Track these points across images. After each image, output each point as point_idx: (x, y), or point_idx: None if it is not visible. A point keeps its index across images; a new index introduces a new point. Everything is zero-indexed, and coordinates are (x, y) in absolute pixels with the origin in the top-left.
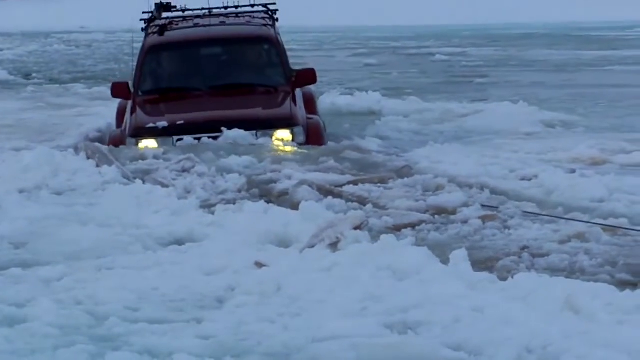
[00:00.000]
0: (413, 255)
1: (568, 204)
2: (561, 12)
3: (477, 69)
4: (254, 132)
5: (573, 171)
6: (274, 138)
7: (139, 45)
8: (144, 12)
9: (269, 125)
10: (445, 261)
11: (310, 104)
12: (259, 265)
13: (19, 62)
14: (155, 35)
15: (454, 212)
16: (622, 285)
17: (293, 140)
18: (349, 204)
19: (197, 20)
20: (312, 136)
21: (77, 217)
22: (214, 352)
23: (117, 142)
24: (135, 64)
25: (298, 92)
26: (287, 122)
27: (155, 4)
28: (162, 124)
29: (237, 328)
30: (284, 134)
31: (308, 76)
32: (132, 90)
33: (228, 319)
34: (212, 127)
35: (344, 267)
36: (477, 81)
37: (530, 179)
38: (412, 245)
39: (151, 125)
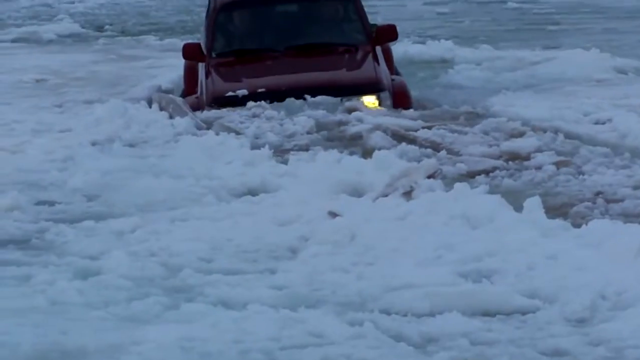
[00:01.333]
0: (486, 203)
1: None
2: None
3: (549, 16)
4: (339, 98)
5: None
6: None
7: None
8: None
9: (355, 91)
10: (518, 208)
11: (388, 60)
12: (333, 214)
13: (91, 14)
14: None
15: (527, 158)
16: None
17: (380, 105)
18: (423, 149)
19: None
20: (399, 99)
21: (150, 169)
22: (288, 302)
23: (194, 109)
24: (206, 22)
25: (378, 49)
26: (373, 87)
27: None
28: (242, 92)
29: (310, 278)
30: (370, 100)
31: (389, 33)
32: (204, 51)
33: (302, 269)
34: (295, 95)
35: (418, 215)
36: (549, 28)
37: (604, 123)
38: (485, 193)
39: (230, 93)
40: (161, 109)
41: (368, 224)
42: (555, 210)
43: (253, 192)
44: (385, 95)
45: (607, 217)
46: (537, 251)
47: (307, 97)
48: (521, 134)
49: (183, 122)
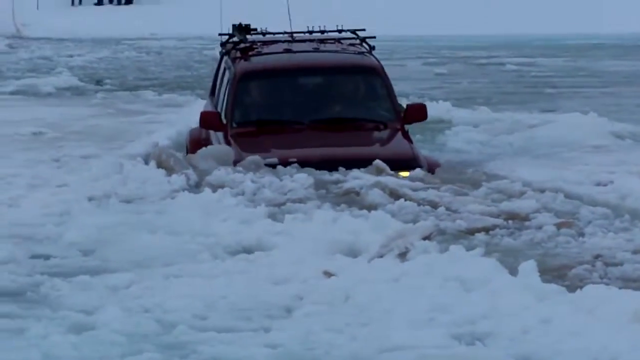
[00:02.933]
0: (481, 266)
1: None
2: (632, 23)
3: (547, 79)
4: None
5: None
6: None
7: (208, 55)
8: (220, 34)
9: (392, 166)
10: (514, 271)
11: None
12: (328, 274)
13: (90, 68)
14: (247, 60)
15: (527, 218)
16: None
17: None
18: (421, 207)
19: (288, 46)
20: None
21: (146, 225)
22: None
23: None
24: (220, 89)
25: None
26: (410, 163)
27: (233, 25)
28: (272, 160)
29: (305, 337)
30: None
31: (418, 112)
32: (223, 120)
33: (296, 328)
34: (328, 166)
35: (413, 277)
36: (546, 91)
37: (605, 185)
38: (481, 255)
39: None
40: (159, 163)
41: (363, 284)
42: (554, 272)
43: (248, 250)
44: (422, 172)
45: (605, 280)
46: (531, 315)
47: (341, 169)
48: (521, 194)
49: (179, 179)
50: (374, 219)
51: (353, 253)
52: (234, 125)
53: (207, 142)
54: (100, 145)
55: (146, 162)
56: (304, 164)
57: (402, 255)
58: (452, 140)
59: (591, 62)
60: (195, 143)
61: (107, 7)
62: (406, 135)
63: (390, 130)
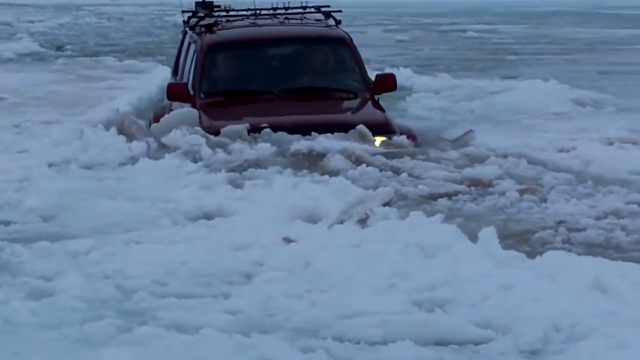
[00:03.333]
0: (442, 232)
1: (606, 176)
2: None
3: (508, 46)
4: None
5: (611, 143)
6: None
7: (169, 21)
8: (183, 11)
9: None
10: (475, 237)
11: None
12: (287, 240)
13: (50, 34)
14: (214, 33)
15: (490, 185)
16: None
17: None
18: (383, 172)
19: (254, 20)
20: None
21: (106, 191)
22: (241, 327)
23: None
24: (185, 64)
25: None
26: (385, 129)
27: (196, 2)
28: (244, 126)
29: (264, 303)
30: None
31: (388, 82)
32: (191, 91)
33: (256, 294)
34: (301, 132)
35: (373, 243)
36: (508, 58)
37: (568, 151)
38: (441, 222)
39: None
40: (121, 130)
41: (323, 250)
42: (516, 237)
43: (209, 216)
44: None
45: (567, 246)
46: (491, 281)
47: (314, 134)
48: (485, 160)
49: (140, 145)
50: (334, 185)
51: (313, 219)
52: (202, 95)
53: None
54: (60, 111)
55: (107, 129)
56: (276, 129)
57: (362, 222)
58: (413, 106)
59: (552, 29)
60: (159, 118)
61: None
62: (377, 104)
63: (361, 99)
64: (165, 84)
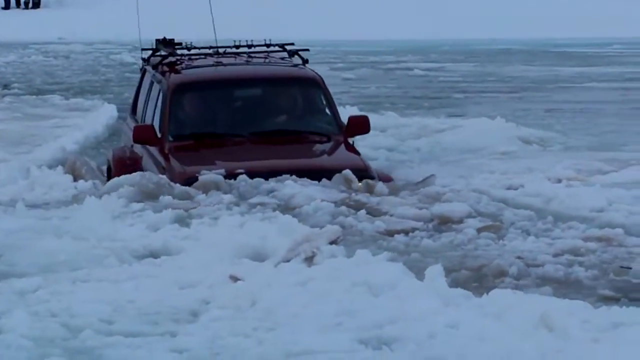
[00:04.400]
0: (388, 271)
1: (567, 214)
2: (540, 29)
3: (455, 84)
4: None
5: (559, 181)
6: None
7: (115, 60)
8: (143, 49)
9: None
10: (421, 275)
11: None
12: (234, 279)
13: None
14: (180, 73)
15: (451, 220)
16: (605, 300)
17: None
18: (339, 208)
19: (219, 59)
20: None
21: (53, 230)
22: None
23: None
24: (147, 105)
25: None
26: (362, 175)
27: (157, 40)
28: (220, 172)
29: (211, 342)
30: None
31: (361, 124)
32: (158, 134)
33: (203, 333)
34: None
35: (319, 281)
36: (454, 96)
37: (516, 189)
38: (387, 260)
39: (205, 173)
40: (73, 170)
41: (270, 288)
42: (474, 271)
43: (155, 255)
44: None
45: (522, 282)
46: (438, 320)
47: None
48: (441, 196)
49: (87, 185)
50: (281, 222)
51: (260, 257)
52: (170, 139)
53: (134, 160)
54: (7, 150)
55: (53, 168)
56: (252, 175)
57: (309, 260)
58: (358, 145)
59: (500, 67)
60: (121, 162)
61: (14, 11)
62: (352, 148)
63: (334, 142)
64: (112, 123)
